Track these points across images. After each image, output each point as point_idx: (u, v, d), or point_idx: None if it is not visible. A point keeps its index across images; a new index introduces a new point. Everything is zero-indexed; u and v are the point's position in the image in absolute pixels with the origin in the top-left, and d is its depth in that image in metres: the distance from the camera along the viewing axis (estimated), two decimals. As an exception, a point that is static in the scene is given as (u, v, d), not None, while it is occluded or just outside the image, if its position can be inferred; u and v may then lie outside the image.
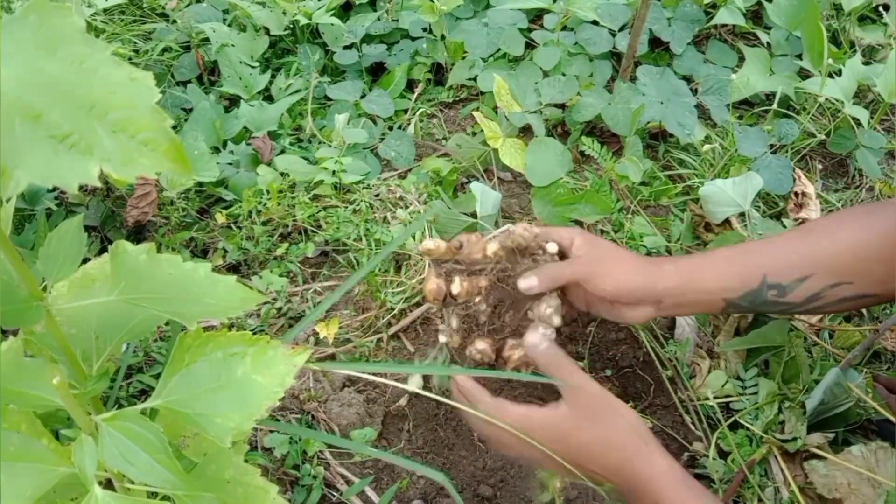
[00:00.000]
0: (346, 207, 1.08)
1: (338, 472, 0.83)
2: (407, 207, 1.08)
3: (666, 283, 0.71)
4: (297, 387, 0.89)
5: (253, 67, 1.32)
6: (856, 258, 0.69)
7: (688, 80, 1.27)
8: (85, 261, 1.04)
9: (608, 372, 0.95)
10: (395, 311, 0.97)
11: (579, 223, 1.08)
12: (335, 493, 0.82)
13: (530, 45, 1.32)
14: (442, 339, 0.74)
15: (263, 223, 1.06)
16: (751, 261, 0.72)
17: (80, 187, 1.05)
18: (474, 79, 1.29)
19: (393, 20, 1.43)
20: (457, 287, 0.71)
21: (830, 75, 1.15)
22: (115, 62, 0.30)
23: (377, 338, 0.95)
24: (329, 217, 1.06)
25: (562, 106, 1.24)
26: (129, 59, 1.28)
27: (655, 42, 1.35)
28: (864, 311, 0.99)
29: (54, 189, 1.03)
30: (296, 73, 1.35)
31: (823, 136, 1.17)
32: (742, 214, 1.04)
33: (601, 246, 0.74)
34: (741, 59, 1.31)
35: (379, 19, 1.43)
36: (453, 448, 0.89)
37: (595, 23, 1.27)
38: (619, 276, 0.71)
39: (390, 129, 1.27)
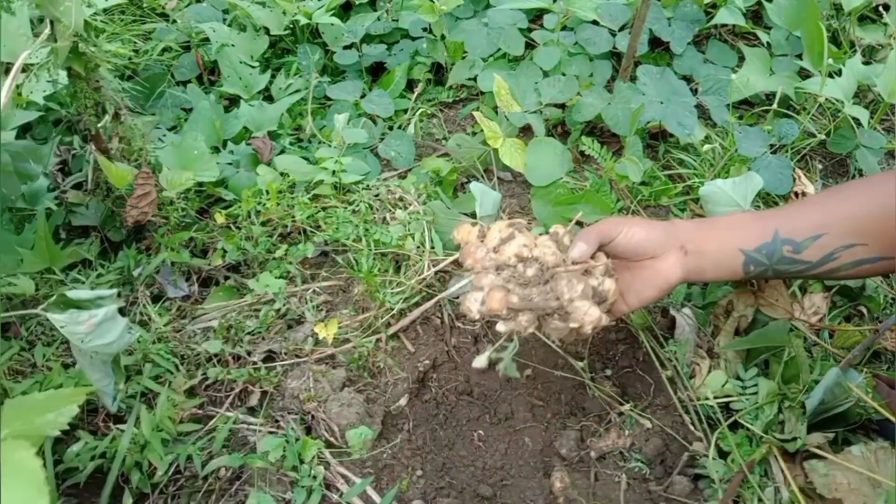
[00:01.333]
0: (346, 208, 1.08)
1: (338, 471, 0.83)
2: (406, 208, 1.08)
3: (685, 228, 0.77)
4: (297, 387, 0.89)
5: (253, 67, 1.32)
6: (868, 220, 0.72)
7: (688, 80, 1.27)
8: (85, 261, 1.03)
9: (608, 372, 0.95)
10: (395, 312, 0.97)
11: (579, 223, 1.08)
12: (335, 493, 0.82)
13: (530, 45, 1.31)
14: (502, 328, 0.73)
15: (263, 223, 1.06)
16: (764, 218, 0.76)
17: (80, 187, 1.05)
18: (474, 79, 1.29)
19: (393, 20, 1.43)
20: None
21: (830, 75, 1.15)
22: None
23: (376, 338, 0.95)
24: (328, 217, 1.06)
25: (562, 106, 1.24)
26: (129, 58, 1.28)
27: (655, 42, 1.35)
28: (864, 311, 0.99)
29: (54, 189, 1.02)
30: (296, 73, 1.35)
31: (823, 136, 1.17)
32: (742, 214, 1.04)
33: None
34: (741, 59, 1.31)
35: (379, 19, 1.43)
36: (453, 448, 0.89)
37: (595, 23, 1.27)
38: (645, 227, 0.77)
39: (390, 129, 1.27)
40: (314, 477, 0.81)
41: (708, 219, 0.81)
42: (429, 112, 1.32)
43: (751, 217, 0.78)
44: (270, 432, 0.86)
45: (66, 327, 0.68)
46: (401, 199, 1.10)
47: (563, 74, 1.21)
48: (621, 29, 1.31)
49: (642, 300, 0.79)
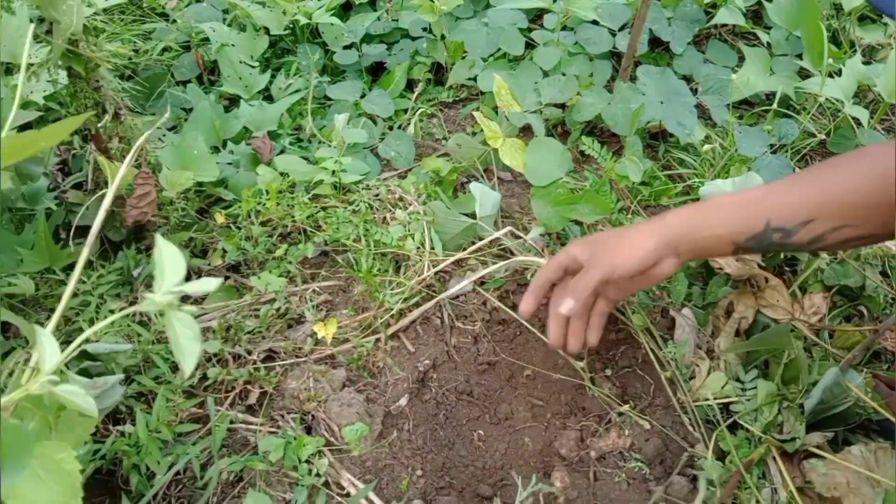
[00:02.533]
0: (346, 208, 1.08)
1: (338, 471, 0.83)
2: (406, 208, 1.08)
3: (675, 231, 0.77)
4: (296, 387, 0.89)
5: (253, 67, 1.32)
6: (857, 203, 0.72)
7: (688, 79, 1.27)
8: (85, 260, 1.03)
9: (608, 372, 0.95)
10: (394, 312, 0.97)
11: (579, 223, 1.08)
12: (336, 493, 0.82)
13: (530, 45, 1.31)
14: None
15: (262, 223, 1.06)
16: (755, 208, 0.76)
17: (80, 186, 1.05)
18: (474, 79, 1.29)
19: (393, 20, 1.43)
20: None
21: (830, 75, 1.15)
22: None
23: (376, 338, 0.95)
24: (328, 217, 1.06)
25: (562, 106, 1.24)
26: (129, 58, 1.28)
27: (655, 42, 1.35)
28: (864, 311, 0.98)
29: (54, 189, 1.03)
30: (296, 72, 1.35)
31: (823, 136, 1.17)
32: (742, 214, 1.04)
33: (599, 239, 0.80)
34: (741, 58, 1.31)
35: (379, 19, 1.43)
36: (453, 447, 0.89)
37: (595, 23, 1.27)
38: (635, 251, 0.76)
39: (390, 129, 1.27)
40: (318, 475, 0.81)
41: (697, 211, 0.79)
42: (429, 112, 1.32)
43: (740, 204, 0.77)
44: (270, 432, 0.86)
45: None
46: (401, 199, 1.10)
47: (563, 74, 1.21)
48: (621, 29, 1.31)
49: (635, 291, 0.83)
